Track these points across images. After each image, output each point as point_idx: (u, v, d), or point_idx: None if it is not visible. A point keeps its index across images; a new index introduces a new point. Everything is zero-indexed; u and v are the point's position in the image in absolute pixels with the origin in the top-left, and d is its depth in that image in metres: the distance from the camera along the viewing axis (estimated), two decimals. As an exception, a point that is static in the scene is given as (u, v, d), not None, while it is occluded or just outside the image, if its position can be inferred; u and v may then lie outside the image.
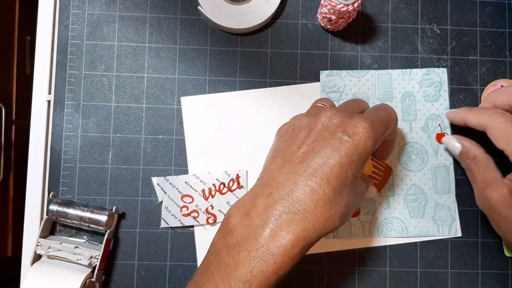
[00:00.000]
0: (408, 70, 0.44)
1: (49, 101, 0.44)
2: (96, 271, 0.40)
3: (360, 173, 0.33)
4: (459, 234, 0.43)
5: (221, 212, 0.42)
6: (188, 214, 0.42)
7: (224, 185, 0.43)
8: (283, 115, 0.44)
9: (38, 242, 0.41)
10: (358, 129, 0.31)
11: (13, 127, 0.77)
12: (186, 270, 0.42)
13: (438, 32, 0.45)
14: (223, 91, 0.44)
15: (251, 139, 0.44)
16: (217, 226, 0.42)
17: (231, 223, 0.31)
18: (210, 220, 0.42)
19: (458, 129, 0.43)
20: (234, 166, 0.43)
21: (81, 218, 0.40)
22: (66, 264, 0.40)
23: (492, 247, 0.43)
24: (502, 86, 0.44)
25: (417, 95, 0.44)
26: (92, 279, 0.40)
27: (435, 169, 0.43)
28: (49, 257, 0.40)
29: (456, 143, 0.41)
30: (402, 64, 0.45)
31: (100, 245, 0.41)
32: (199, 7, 0.43)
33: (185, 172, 0.43)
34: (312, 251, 0.42)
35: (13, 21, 0.80)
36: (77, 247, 0.40)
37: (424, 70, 0.44)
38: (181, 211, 0.42)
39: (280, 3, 0.44)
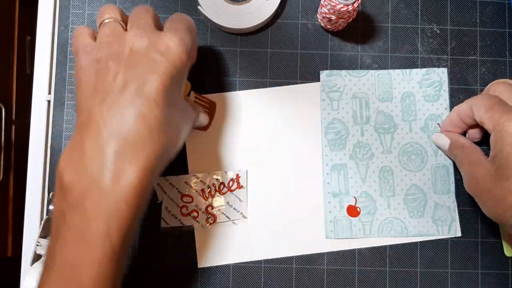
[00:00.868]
0: (408, 70, 0.44)
1: (49, 101, 0.44)
2: (96, 271, 0.40)
3: (183, 91, 0.33)
4: (459, 234, 0.43)
5: (221, 212, 0.42)
6: (188, 214, 0.42)
7: (224, 185, 0.43)
8: (283, 115, 0.44)
9: (38, 242, 0.41)
10: (170, 46, 0.31)
11: (13, 127, 0.77)
12: (186, 270, 0.42)
13: (438, 32, 0.45)
14: (223, 91, 0.44)
15: (251, 139, 0.44)
16: (217, 226, 0.42)
17: (65, 180, 0.28)
18: (210, 220, 0.42)
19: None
20: (234, 166, 0.43)
21: (81, 218, 0.40)
22: (66, 264, 0.40)
23: (492, 247, 0.43)
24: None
25: (417, 95, 0.44)
26: (92, 279, 0.40)
27: (435, 169, 0.43)
28: (49, 257, 0.40)
29: (444, 138, 0.42)
30: (402, 64, 0.45)
31: (100, 245, 0.41)
32: (199, 7, 0.43)
33: (185, 172, 0.43)
34: (312, 251, 0.42)
35: (13, 21, 0.80)
36: (77, 247, 0.40)
37: (424, 70, 0.44)
38: (181, 211, 0.42)
39: (280, 3, 0.44)
